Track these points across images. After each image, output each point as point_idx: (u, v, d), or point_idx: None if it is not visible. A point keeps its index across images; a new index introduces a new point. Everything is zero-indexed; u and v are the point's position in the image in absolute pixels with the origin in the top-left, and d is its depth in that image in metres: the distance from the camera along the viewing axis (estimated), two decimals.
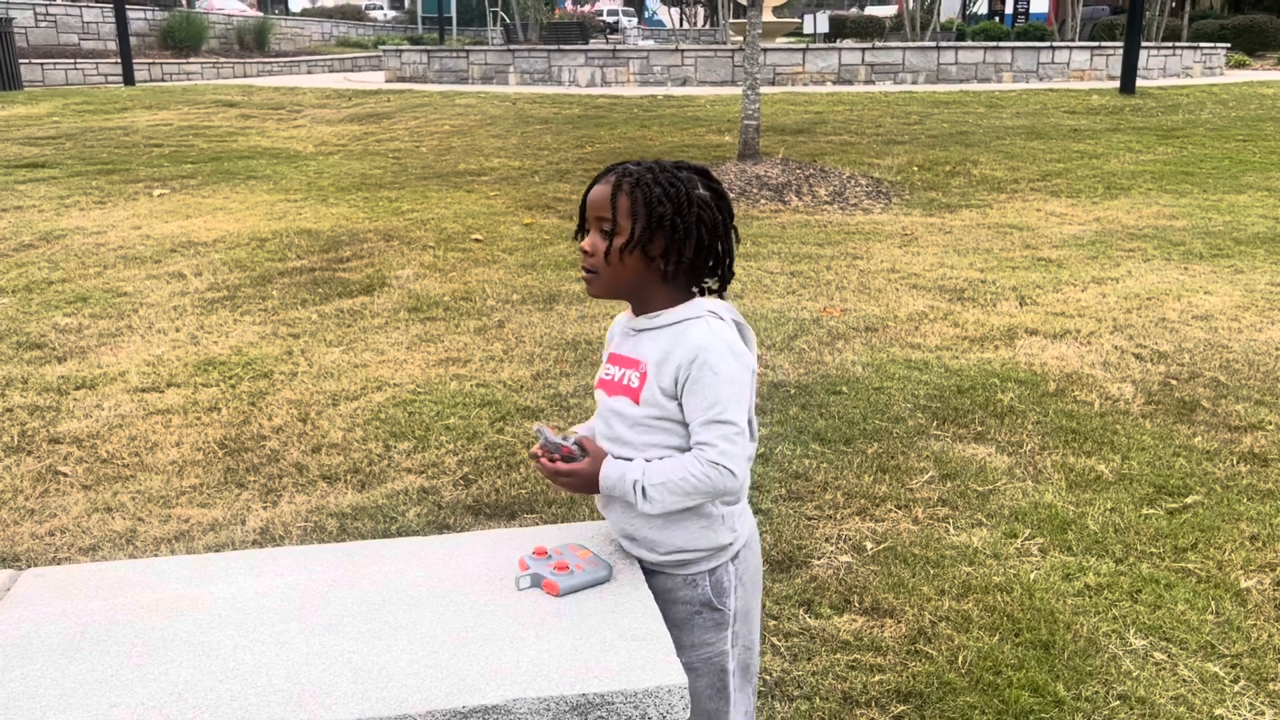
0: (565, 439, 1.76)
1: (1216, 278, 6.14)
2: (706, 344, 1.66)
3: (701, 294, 1.78)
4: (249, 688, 1.47)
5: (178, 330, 5.16)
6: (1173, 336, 5.03)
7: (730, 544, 1.77)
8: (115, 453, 3.78)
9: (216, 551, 3.10)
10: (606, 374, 1.80)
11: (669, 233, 1.67)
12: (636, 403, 1.72)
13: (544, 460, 1.75)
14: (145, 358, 4.75)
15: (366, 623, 1.64)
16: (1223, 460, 3.70)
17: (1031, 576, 2.94)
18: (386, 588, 1.75)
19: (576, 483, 1.75)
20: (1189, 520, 3.26)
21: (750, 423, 1.73)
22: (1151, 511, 3.33)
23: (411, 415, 4.08)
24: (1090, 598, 2.84)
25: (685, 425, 1.70)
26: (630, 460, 1.72)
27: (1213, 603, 2.82)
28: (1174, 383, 4.43)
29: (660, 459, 1.70)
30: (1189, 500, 3.40)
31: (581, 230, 1.76)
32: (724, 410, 1.65)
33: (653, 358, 1.70)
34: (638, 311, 1.77)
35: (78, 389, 4.39)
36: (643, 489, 1.69)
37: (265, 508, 3.38)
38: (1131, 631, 2.69)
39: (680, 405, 1.69)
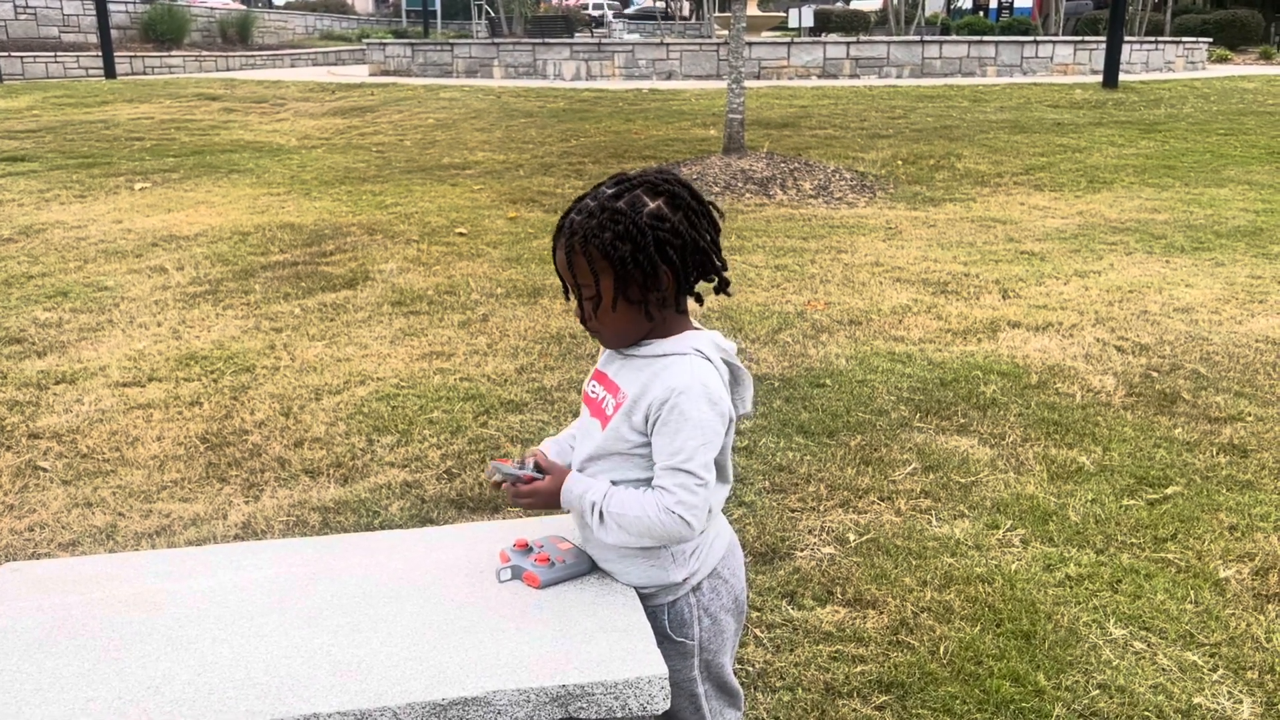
0: (522, 464, 1.74)
1: (1198, 271, 6.18)
2: (683, 386, 1.59)
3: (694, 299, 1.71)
4: (227, 681, 1.47)
5: (159, 324, 5.13)
6: (1154, 329, 5.05)
7: (684, 580, 1.72)
8: (95, 448, 3.75)
9: (198, 546, 3.08)
10: (592, 392, 1.76)
11: (639, 272, 1.59)
12: (603, 429, 1.69)
13: (506, 487, 1.74)
14: (126, 352, 4.72)
15: (346, 616, 1.64)
16: (1202, 451, 3.72)
17: (1013, 567, 2.95)
18: (367, 581, 1.74)
19: (539, 501, 1.72)
20: (1169, 511, 3.28)
21: (725, 467, 1.69)
22: (1132, 502, 3.34)
23: (394, 409, 4.06)
24: (1071, 588, 2.86)
25: (649, 460, 1.65)
26: (595, 481, 1.69)
27: (1192, 592, 2.84)
28: (1155, 375, 4.46)
29: (625, 488, 1.67)
30: (1169, 491, 3.42)
31: (566, 291, 1.70)
32: (688, 459, 1.59)
33: (631, 391, 1.65)
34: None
35: (58, 384, 4.36)
36: (600, 512, 1.65)
37: (247, 502, 3.36)
38: (1111, 621, 2.70)
39: (650, 443, 1.64)
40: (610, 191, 1.62)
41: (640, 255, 1.58)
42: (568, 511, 1.74)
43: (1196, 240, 6.95)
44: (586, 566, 1.76)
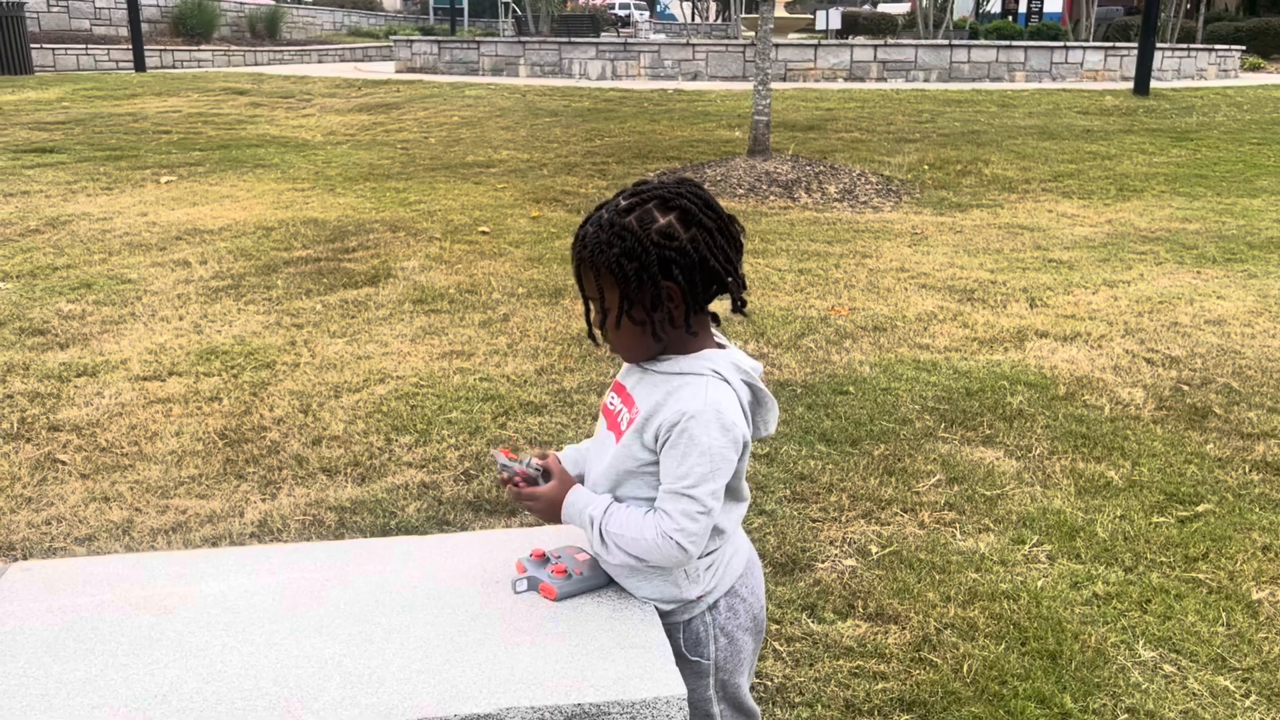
0: (526, 462, 1.70)
1: (1229, 282, 6.08)
2: (695, 410, 1.54)
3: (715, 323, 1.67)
4: (235, 691, 1.44)
5: (181, 318, 5.13)
6: (1185, 341, 4.97)
7: (700, 598, 1.68)
8: (114, 441, 3.74)
9: (213, 544, 3.07)
10: (610, 403, 1.71)
11: (643, 292, 1.54)
12: (617, 443, 1.65)
13: (509, 487, 1.70)
14: (148, 346, 4.72)
15: (358, 625, 1.60)
16: (1235, 468, 3.64)
17: (1039, 584, 2.89)
18: (380, 589, 1.71)
19: (540, 507, 1.68)
20: (1200, 529, 3.21)
21: (738, 489, 1.65)
22: (1162, 520, 3.27)
23: (413, 408, 4.04)
24: (1099, 607, 2.80)
25: (659, 478, 1.61)
26: (596, 496, 1.66)
27: (1224, 614, 2.77)
28: (1186, 388, 4.38)
29: (627, 506, 1.63)
30: (1200, 509, 3.35)
31: (587, 303, 1.66)
32: (693, 486, 1.54)
33: (644, 407, 1.60)
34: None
35: (79, 376, 4.36)
36: (600, 530, 1.61)
37: (264, 500, 3.34)
38: (1140, 642, 2.64)
39: (659, 462, 1.60)
40: (624, 204, 1.57)
41: (644, 275, 1.53)
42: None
43: (1228, 251, 6.84)
44: (604, 579, 1.72)
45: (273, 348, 4.71)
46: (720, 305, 1.67)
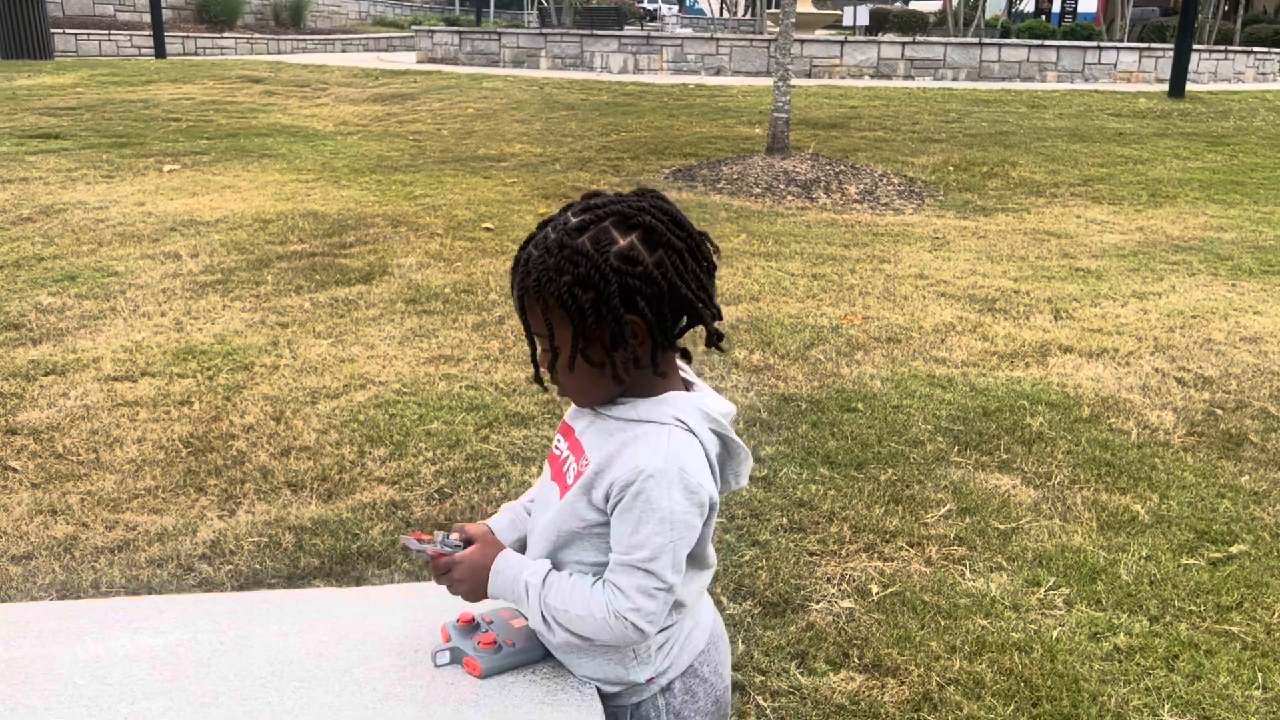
0: (441, 540, 1.46)
1: (1267, 296, 5.76)
2: (653, 468, 1.29)
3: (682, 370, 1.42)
4: None
5: (163, 315, 4.92)
6: (1219, 360, 4.67)
7: (650, 680, 1.44)
8: (72, 447, 3.53)
9: (159, 566, 2.85)
10: (557, 448, 1.46)
11: (602, 327, 1.30)
12: (561, 497, 1.40)
13: (429, 566, 1.46)
14: (123, 343, 4.51)
15: (244, 704, 1.37)
16: (1272, 504, 3.36)
17: (1054, 634, 2.63)
18: (280, 656, 1.47)
19: (461, 576, 1.43)
20: (1234, 573, 2.93)
21: (702, 556, 1.42)
22: (1192, 561, 3.00)
23: (392, 418, 3.81)
24: (1120, 662, 2.53)
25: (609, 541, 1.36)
26: (533, 562, 1.42)
27: (1259, 675, 2.50)
28: (1219, 412, 4.09)
29: (570, 574, 1.39)
30: (1234, 550, 3.07)
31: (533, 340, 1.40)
32: (650, 559, 1.30)
33: (595, 459, 1.35)
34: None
35: (46, 375, 4.15)
36: (539, 606, 1.37)
37: (220, 517, 3.12)
38: (1166, 706, 2.37)
39: (609, 523, 1.35)
40: (575, 221, 1.31)
41: (603, 307, 1.28)
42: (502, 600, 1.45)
43: (1266, 263, 6.51)
44: (540, 652, 1.47)
45: (253, 348, 4.49)
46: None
